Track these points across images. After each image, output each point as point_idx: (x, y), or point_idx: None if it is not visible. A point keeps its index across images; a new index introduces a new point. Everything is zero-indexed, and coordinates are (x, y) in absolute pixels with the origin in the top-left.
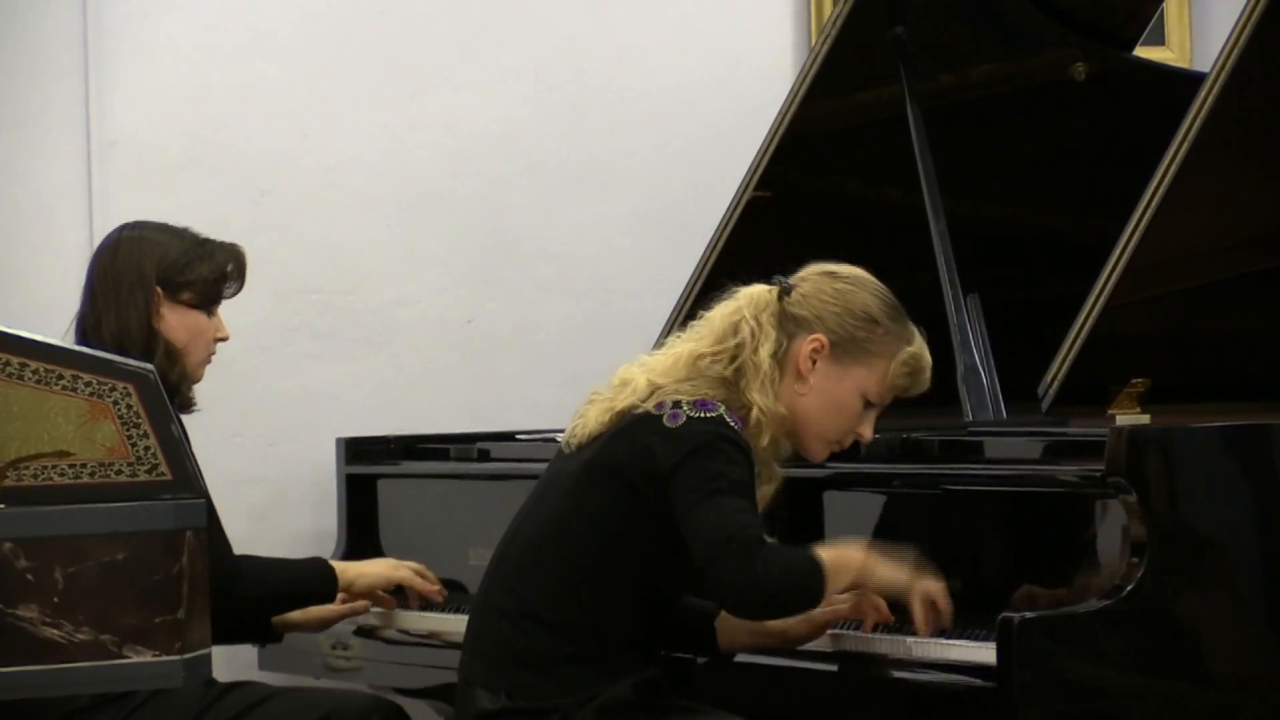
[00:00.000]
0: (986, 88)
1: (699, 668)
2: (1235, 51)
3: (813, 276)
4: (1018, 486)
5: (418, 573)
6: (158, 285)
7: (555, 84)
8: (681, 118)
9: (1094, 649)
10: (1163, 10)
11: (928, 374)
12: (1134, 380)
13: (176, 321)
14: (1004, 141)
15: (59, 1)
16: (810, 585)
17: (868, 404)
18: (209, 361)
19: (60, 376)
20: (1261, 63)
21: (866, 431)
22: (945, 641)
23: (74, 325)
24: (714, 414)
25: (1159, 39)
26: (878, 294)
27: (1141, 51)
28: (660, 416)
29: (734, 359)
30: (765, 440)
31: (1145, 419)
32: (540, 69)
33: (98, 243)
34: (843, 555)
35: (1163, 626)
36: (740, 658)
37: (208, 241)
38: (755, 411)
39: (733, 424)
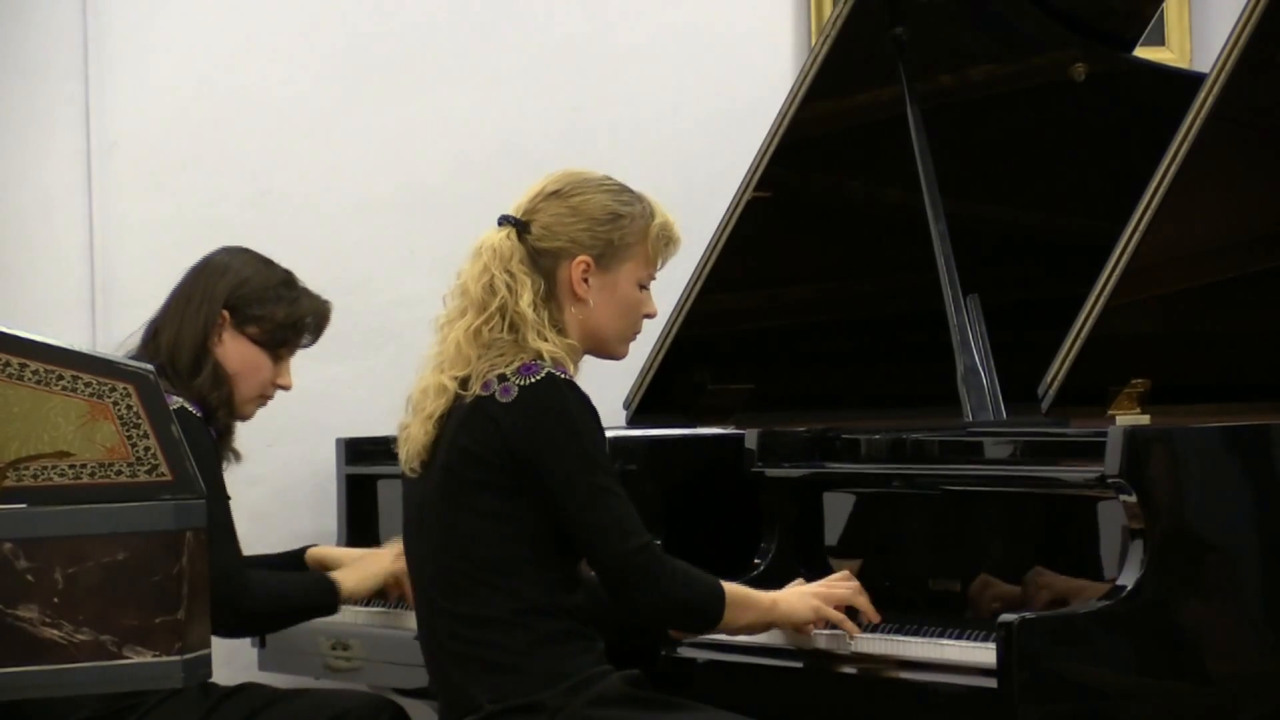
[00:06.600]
0: (986, 88)
1: (699, 667)
2: (1235, 51)
3: (542, 205)
4: (1017, 487)
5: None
6: (225, 309)
7: (555, 84)
8: (681, 118)
9: (1093, 649)
10: (1163, 10)
11: (677, 228)
12: (1134, 380)
13: (234, 350)
14: (1004, 141)
15: (59, 1)
16: (709, 608)
17: (643, 286)
18: (262, 404)
19: (60, 377)
20: (1261, 63)
21: (653, 308)
22: (945, 642)
23: (145, 327)
24: (541, 375)
25: (1159, 39)
26: (604, 187)
27: (1141, 51)
28: (491, 396)
29: (504, 317)
30: (574, 372)
31: (1145, 419)
32: (540, 69)
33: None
34: (750, 594)
35: (1162, 627)
36: (738, 658)
37: (298, 286)
38: (546, 357)
39: (561, 375)
